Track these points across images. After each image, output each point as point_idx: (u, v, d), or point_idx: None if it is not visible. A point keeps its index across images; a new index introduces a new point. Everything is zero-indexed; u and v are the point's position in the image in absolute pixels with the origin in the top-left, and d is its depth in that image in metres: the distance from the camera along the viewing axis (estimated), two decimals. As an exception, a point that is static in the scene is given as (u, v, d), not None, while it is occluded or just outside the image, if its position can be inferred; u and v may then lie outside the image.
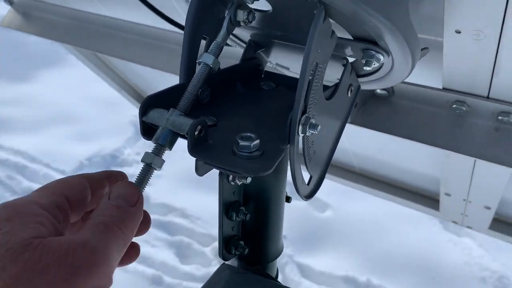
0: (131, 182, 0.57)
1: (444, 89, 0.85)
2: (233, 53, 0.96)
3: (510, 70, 0.72)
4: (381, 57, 0.65)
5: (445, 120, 0.87)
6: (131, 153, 4.33)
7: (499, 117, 0.82)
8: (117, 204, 0.51)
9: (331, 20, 0.61)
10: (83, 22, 1.34)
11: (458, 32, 0.68)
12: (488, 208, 1.29)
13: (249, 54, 0.81)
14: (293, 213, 3.81)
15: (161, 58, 1.22)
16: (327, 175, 1.73)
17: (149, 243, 3.33)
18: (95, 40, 1.31)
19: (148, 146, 2.72)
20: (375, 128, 0.92)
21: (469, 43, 0.69)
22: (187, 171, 3.38)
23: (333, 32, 0.62)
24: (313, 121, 0.61)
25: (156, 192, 3.67)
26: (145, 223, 0.60)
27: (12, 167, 4.07)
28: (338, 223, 3.81)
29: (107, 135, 4.63)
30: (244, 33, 0.81)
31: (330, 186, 2.14)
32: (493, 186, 1.15)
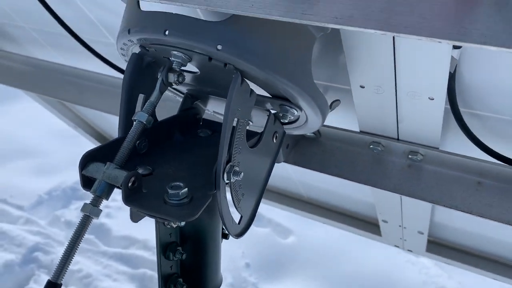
0: None
1: (361, 132, 0.96)
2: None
3: (411, 118, 0.84)
4: (295, 111, 0.75)
5: (365, 158, 0.98)
6: (92, 186, 4.28)
7: (409, 156, 0.93)
8: None
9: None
10: (40, 69, 1.40)
11: (362, 87, 0.79)
12: (421, 233, 1.41)
13: (186, 105, 0.90)
14: (257, 240, 3.87)
15: (115, 104, 1.29)
16: (279, 205, 1.81)
17: (111, 277, 3.29)
18: (53, 86, 1.37)
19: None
20: (306, 166, 1.02)
21: (373, 96, 0.80)
22: (148, 203, 3.37)
23: (252, 91, 0.72)
24: (237, 168, 0.70)
25: (117, 224, 3.65)
26: None
27: (-33, 204, 3.96)
28: (301, 248, 3.88)
29: (67, 168, 4.57)
30: (181, 87, 0.89)
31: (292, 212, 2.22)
32: (420, 213, 1.27)
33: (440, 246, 1.57)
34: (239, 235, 0.78)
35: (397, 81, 0.74)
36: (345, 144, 1.00)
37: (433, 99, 0.75)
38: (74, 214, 4.07)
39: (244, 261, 3.76)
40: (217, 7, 0.57)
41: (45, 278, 3.29)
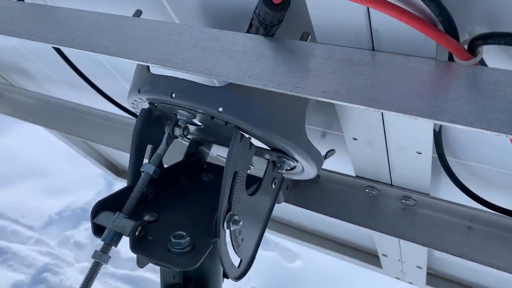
0: None
1: (357, 176, 1.01)
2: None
3: (402, 167, 0.89)
4: (291, 163, 0.80)
5: (361, 200, 1.03)
6: (102, 207, 4.35)
7: (403, 200, 0.98)
8: None
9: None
10: (54, 106, 1.48)
11: (355, 139, 0.85)
12: (420, 267, 1.44)
13: (191, 150, 0.96)
14: (264, 264, 3.88)
15: (122, 139, 1.36)
16: (283, 235, 1.85)
17: (118, 300, 3.33)
18: (66, 123, 1.45)
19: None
20: (305, 207, 1.07)
21: (365, 147, 0.86)
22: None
23: (251, 144, 0.78)
24: (236, 217, 0.75)
25: (125, 246, 3.69)
26: None
27: (-21, 224, 4.04)
28: (308, 273, 3.89)
29: (77, 188, 4.65)
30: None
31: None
32: (417, 250, 1.30)
33: (440, 280, 1.59)
34: (239, 278, 0.83)
35: (387, 136, 0.79)
36: (342, 187, 1.05)
37: (420, 153, 0.80)
38: (83, 234, 4.12)
39: (251, 285, 3.78)
40: (218, 77, 0.63)
41: (53, 299, 3.34)
